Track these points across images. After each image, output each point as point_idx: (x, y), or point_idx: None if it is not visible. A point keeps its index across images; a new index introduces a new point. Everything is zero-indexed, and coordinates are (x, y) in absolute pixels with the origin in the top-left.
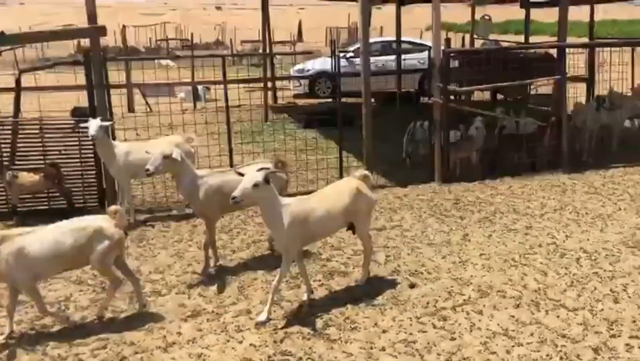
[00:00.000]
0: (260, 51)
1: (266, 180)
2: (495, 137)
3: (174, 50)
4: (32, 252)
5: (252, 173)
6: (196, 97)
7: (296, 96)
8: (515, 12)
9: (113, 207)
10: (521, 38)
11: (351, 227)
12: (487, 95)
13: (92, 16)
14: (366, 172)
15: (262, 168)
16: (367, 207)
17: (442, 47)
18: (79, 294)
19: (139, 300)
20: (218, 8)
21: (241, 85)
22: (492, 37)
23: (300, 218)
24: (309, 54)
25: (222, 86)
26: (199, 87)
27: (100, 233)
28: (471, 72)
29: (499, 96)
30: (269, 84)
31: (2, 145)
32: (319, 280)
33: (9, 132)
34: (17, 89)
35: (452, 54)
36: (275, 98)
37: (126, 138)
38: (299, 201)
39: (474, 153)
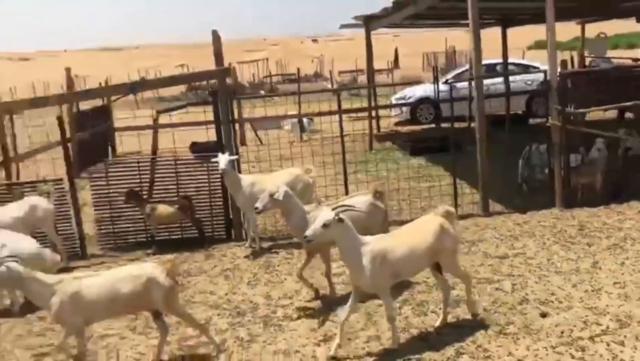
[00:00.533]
0: (360, 80)
1: (339, 218)
2: (620, 159)
3: (277, 85)
4: (87, 296)
5: (324, 213)
6: (302, 128)
7: (397, 123)
8: (625, 26)
9: (168, 256)
10: (635, 52)
11: (437, 267)
12: (606, 115)
13: (218, 55)
14: (449, 208)
15: (336, 207)
16: (452, 244)
17: (559, 69)
18: (218, 318)
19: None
20: (314, 40)
21: (344, 115)
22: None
23: (380, 256)
24: (410, 84)
25: (323, 117)
26: (304, 119)
27: (153, 281)
28: (589, 92)
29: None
30: (373, 113)
31: (142, 180)
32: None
33: (148, 168)
34: (155, 128)
35: (568, 75)
36: (378, 126)
37: (250, 170)
38: (379, 239)
39: (598, 177)
